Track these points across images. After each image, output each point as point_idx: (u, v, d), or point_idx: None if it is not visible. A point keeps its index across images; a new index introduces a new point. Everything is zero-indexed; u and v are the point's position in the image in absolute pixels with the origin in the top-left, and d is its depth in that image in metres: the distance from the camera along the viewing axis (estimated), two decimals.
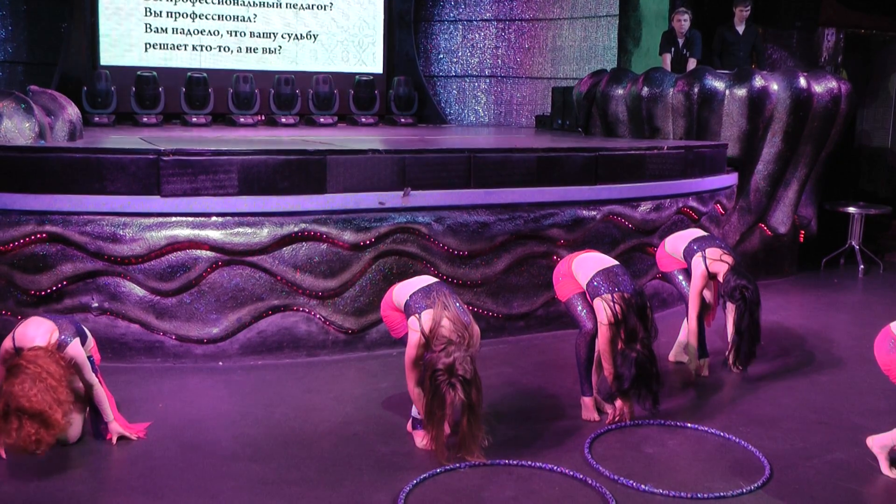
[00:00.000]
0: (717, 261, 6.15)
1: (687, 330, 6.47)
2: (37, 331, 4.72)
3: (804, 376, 6.48)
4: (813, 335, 7.58)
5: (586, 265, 5.56)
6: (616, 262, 5.60)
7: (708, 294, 6.31)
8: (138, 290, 6.37)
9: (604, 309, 5.25)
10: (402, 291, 5.13)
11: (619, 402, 5.38)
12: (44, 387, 4.41)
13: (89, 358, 4.95)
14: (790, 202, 9.72)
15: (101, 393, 4.95)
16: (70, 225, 6.22)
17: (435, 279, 5.23)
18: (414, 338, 4.84)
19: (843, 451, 5.07)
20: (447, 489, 4.51)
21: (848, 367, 6.69)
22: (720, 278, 6.12)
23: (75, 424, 4.93)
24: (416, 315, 4.87)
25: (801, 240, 10.22)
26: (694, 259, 6.24)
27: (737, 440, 5.17)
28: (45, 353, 4.58)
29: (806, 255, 10.44)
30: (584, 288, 5.48)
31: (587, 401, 5.55)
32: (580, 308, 5.55)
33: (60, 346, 4.72)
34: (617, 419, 5.40)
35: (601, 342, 5.29)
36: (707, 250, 6.22)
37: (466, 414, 4.63)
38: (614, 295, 5.26)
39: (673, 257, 6.51)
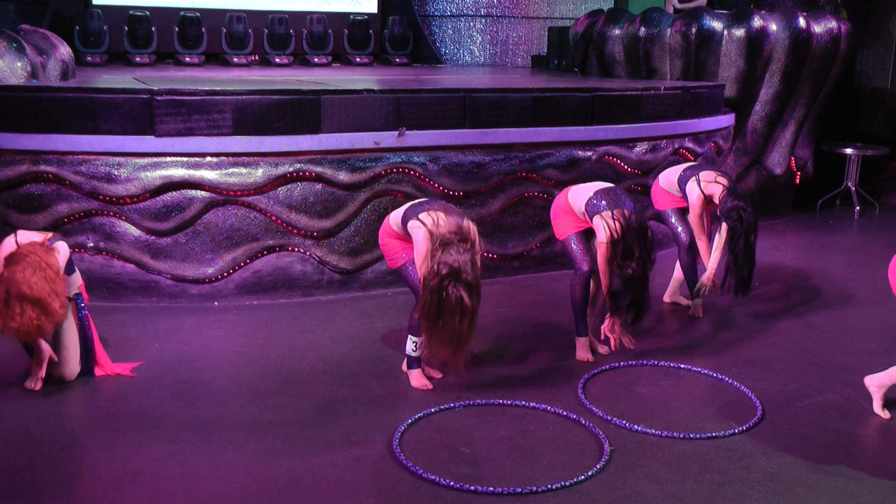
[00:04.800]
0: (712, 182, 6.08)
1: (681, 268, 6.49)
2: (34, 234, 4.85)
3: (797, 317, 6.50)
4: (807, 276, 7.59)
5: (584, 189, 5.49)
6: (616, 186, 5.53)
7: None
8: (133, 230, 6.37)
9: (602, 227, 5.13)
10: (397, 212, 5.07)
11: (614, 332, 5.29)
12: (43, 276, 4.55)
13: (77, 295, 5.03)
14: (787, 143, 9.68)
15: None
16: (65, 164, 6.20)
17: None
18: (419, 233, 4.70)
19: (834, 391, 5.11)
20: (441, 428, 4.55)
21: (841, 309, 6.71)
22: (716, 200, 6.04)
23: (73, 362, 4.97)
24: (415, 217, 4.80)
25: (798, 181, 10.21)
26: (689, 185, 6.16)
27: (729, 381, 5.21)
28: (42, 247, 4.70)
29: (802, 196, 10.44)
30: (583, 208, 5.38)
31: (581, 341, 5.57)
32: (576, 248, 5.53)
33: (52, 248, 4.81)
34: (615, 348, 5.35)
35: (599, 259, 5.18)
36: (701, 174, 6.16)
37: (466, 318, 4.41)
38: (614, 211, 5.14)
39: (668, 192, 6.45)
